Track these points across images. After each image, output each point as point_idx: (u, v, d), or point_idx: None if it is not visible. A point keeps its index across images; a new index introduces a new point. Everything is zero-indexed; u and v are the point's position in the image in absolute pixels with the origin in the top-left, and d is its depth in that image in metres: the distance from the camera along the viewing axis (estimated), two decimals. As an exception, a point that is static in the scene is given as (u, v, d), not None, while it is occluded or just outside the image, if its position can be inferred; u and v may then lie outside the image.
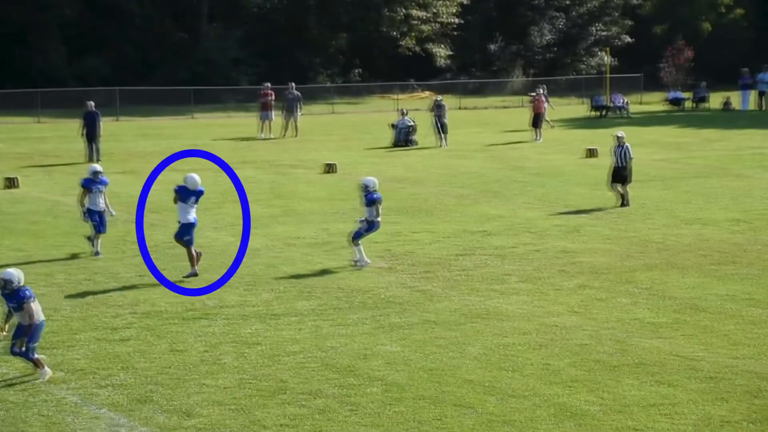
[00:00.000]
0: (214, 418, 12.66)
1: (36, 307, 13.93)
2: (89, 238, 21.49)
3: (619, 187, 26.96)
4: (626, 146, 27.10)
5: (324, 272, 19.93)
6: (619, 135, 27.54)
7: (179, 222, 19.85)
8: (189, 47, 62.43)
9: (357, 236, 20.46)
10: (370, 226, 20.50)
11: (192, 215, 19.82)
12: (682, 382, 13.69)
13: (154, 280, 19.22)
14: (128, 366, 14.51)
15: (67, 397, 13.29)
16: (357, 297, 18.16)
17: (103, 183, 21.59)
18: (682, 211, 26.11)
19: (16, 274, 13.91)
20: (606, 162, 29.07)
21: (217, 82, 58.36)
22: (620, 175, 26.99)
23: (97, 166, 22.07)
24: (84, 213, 21.52)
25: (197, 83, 55.77)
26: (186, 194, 19.77)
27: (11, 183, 29.49)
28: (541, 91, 44.98)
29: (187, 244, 19.74)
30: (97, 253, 21.17)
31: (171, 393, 13.49)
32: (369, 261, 20.35)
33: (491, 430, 12.22)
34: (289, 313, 17.20)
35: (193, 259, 19.70)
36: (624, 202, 26.84)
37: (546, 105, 44.27)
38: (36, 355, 13.96)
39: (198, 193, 19.87)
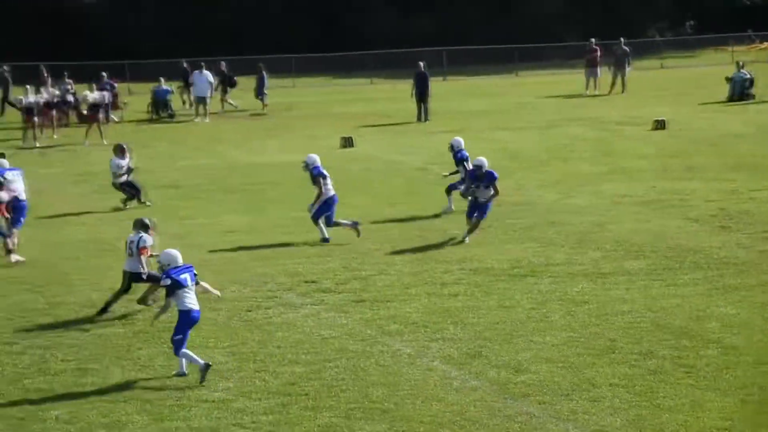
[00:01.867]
0: (543, 374, 12.72)
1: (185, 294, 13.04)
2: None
3: None
4: None
5: (653, 231, 19.45)
6: None
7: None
8: (514, 4, 62.43)
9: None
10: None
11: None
12: None
13: (480, 237, 19.46)
14: (458, 321, 14.84)
15: (402, 348, 13.79)
16: (688, 257, 17.60)
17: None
18: None
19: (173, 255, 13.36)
20: None
21: (541, 40, 58.04)
22: None
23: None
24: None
25: (521, 41, 55.73)
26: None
27: (347, 142, 30.81)
28: None
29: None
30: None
31: (500, 348, 13.67)
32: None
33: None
34: (618, 272, 16.94)
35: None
36: None
37: None
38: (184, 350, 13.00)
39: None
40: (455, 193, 21.28)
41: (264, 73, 39.90)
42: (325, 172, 19.77)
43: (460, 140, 22.16)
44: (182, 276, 13.07)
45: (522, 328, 14.48)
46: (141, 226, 15.52)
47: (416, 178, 25.87)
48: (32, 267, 18.11)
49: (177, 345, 12.91)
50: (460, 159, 21.66)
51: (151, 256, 15.25)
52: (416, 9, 60.39)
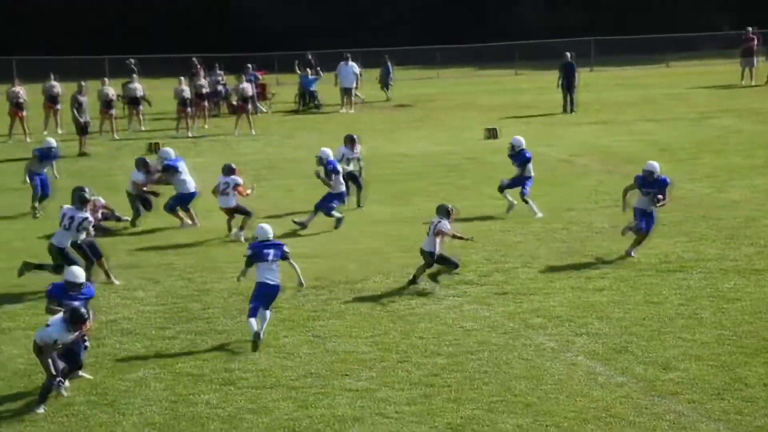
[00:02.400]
0: (693, 372, 12.40)
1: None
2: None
3: None
4: None
5: (810, 227, 18.75)
6: None
7: None
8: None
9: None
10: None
11: None
12: None
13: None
14: (604, 315, 14.59)
15: (546, 342, 13.63)
16: None
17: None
18: None
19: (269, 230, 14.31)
20: None
21: (695, 28, 56.54)
22: None
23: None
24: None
25: (674, 30, 54.41)
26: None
27: (491, 134, 30.66)
28: None
29: None
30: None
31: (647, 345, 13.39)
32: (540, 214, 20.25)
33: None
34: (772, 268, 16.39)
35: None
36: None
37: None
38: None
39: None
40: (517, 194, 20.62)
41: (389, 64, 39.99)
42: (339, 167, 20.28)
43: (521, 139, 20.96)
44: (266, 251, 13.98)
45: (670, 324, 14.13)
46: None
47: (560, 169, 25.55)
48: (183, 253, 18.59)
49: (249, 312, 13.86)
50: (522, 160, 20.66)
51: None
52: (565, -1, 59.63)
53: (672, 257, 17.30)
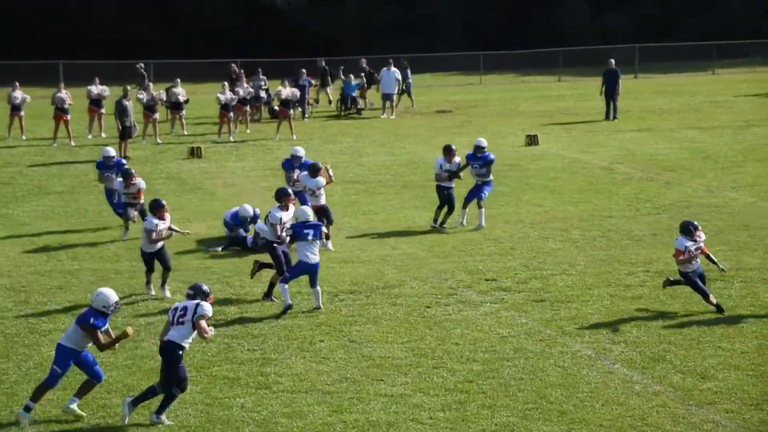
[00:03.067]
0: (731, 382, 12.26)
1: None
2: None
3: None
4: None
5: None
6: None
7: None
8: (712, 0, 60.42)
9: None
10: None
11: None
12: None
13: (668, 239, 18.93)
14: (641, 324, 14.47)
15: (582, 350, 13.54)
16: None
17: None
18: None
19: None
20: None
21: (742, 35, 55.91)
22: None
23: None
24: None
25: (721, 37, 53.89)
26: None
27: (532, 140, 30.53)
28: None
29: None
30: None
31: (685, 353, 13.27)
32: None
33: None
34: (815, 278, 16.18)
35: None
36: None
37: None
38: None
39: None
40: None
41: (407, 70, 39.54)
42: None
43: (484, 140, 20.74)
44: (305, 231, 15.29)
45: (709, 333, 14.00)
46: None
47: (601, 177, 25.40)
48: (221, 258, 18.68)
49: (283, 279, 15.33)
50: (486, 161, 20.25)
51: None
52: (610, 5, 59.25)
53: (712, 266, 17.10)
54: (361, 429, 11.44)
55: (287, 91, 33.38)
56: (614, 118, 35.05)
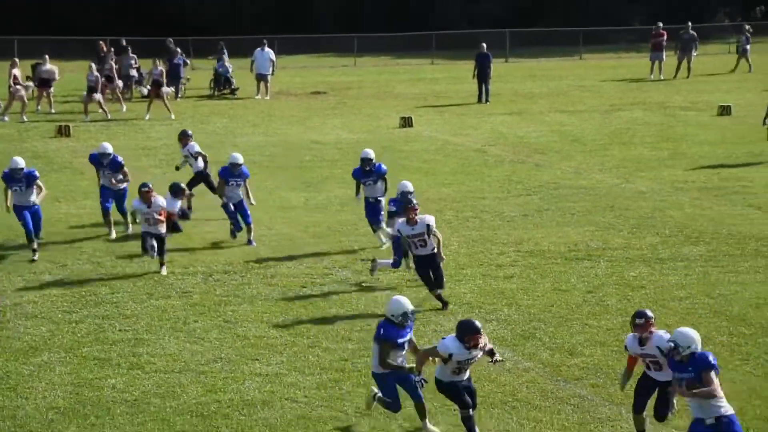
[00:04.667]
0: (597, 358, 12.64)
1: None
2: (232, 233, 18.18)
3: None
4: None
5: (714, 218, 19.20)
6: None
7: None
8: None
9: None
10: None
11: None
12: None
13: (537, 219, 19.37)
14: (513, 302, 14.78)
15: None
16: (750, 244, 17.36)
17: (243, 176, 18.08)
18: None
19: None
20: None
21: (607, 23, 57.36)
22: None
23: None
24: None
25: (587, 24, 55.15)
26: None
27: (406, 122, 30.77)
28: None
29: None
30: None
31: (554, 331, 13.61)
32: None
33: None
34: (676, 257, 16.76)
35: None
36: None
37: None
38: None
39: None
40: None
41: (224, 53, 38.45)
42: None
43: (371, 151, 18.27)
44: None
45: (577, 311, 14.38)
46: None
47: (473, 159, 25.78)
48: (92, 238, 18.34)
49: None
50: (380, 173, 17.94)
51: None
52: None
53: (580, 246, 17.58)
54: (236, 408, 11.41)
55: (159, 70, 32.88)
56: (486, 101, 35.57)
